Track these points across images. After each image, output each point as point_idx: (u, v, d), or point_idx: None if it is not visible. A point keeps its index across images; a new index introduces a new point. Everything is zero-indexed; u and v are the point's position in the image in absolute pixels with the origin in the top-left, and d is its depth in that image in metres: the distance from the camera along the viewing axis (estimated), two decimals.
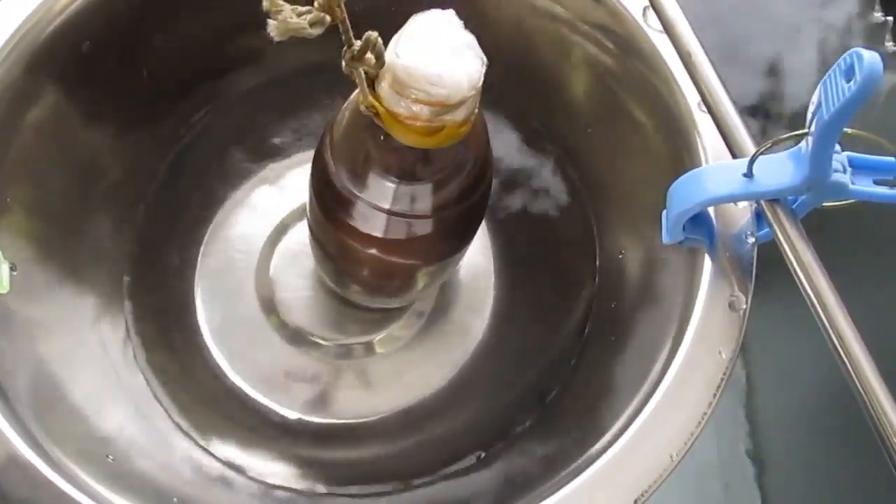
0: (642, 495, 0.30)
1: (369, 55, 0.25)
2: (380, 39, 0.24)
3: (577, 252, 0.44)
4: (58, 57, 0.38)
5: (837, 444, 0.49)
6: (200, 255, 0.45)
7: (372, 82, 0.26)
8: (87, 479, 0.32)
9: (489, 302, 0.45)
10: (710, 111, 0.33)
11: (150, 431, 0.40)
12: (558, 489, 0.31)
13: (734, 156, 0.33)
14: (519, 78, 0.45)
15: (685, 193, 0.33)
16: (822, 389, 0.50)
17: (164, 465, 0.38)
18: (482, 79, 0.25)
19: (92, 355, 0.40)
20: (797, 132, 0.29)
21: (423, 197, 0.30)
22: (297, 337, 0.44)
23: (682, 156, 0.37)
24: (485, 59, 0.25)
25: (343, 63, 0.25)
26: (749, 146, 0.32)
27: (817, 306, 0.29)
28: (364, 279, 0.40)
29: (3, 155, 0.37)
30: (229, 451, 0.41)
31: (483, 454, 0.41)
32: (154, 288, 0.44)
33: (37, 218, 0.39)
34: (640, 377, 0.34)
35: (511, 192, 0.46)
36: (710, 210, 0.35)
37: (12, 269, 0.36)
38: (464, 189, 0.31)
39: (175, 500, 0.35)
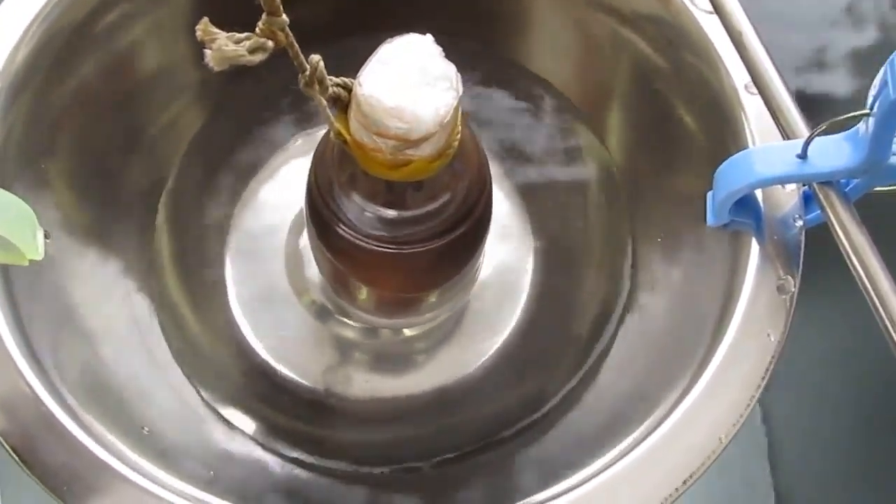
0: (690, 476, 0.29)
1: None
2: (321, 64, 0.23)
3: (613, 235, 0.44)
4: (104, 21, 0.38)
5: (858, 439, 0.49)
6: (231, 228, 0.45)
7: (346, 107, 0.25)
8: (124, 448, 0.32)
9: (524, 284, 0.44)
10: (761, 92, 0.33)
11: (182, 406, 0.39)
12: (603, 471, 0.30)
13: (786, 137, 0.32)
14: (555, 56, 0.45)
15: (735, 174, 0.32)
16: (843, 383, 0.50)
17: (197, 439, 0.38)
18: (451, 114, 0.24)
19: (123, 327, 0.40)
20: (857, 113, 0.29)
21: (412, 225, 0.29)
22: (326, 315, 0.43)
23: (725, 139, 0.37)
24: (460, 90, 0.24)
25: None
26: (801, 127, 0.32)
27: (870, 290, 0.29)
28: (363, 304, 0.39)
29: (43, 119, 0.37)
30: (257, 427, 0.41)
31: (518, 437, 0.40)
32: (184, 264, 0.44)
33: (71, 184, 0.39)
34: (685, 359, 0.33)
35: (546, 175, 0.45)
36: (758, 193, 0.34)
37: (46, 236, 0.36)
38: (456, 215, 0.29)
39: (212, 473, 0.35)
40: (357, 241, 0.29)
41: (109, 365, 0.37)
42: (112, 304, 0.40)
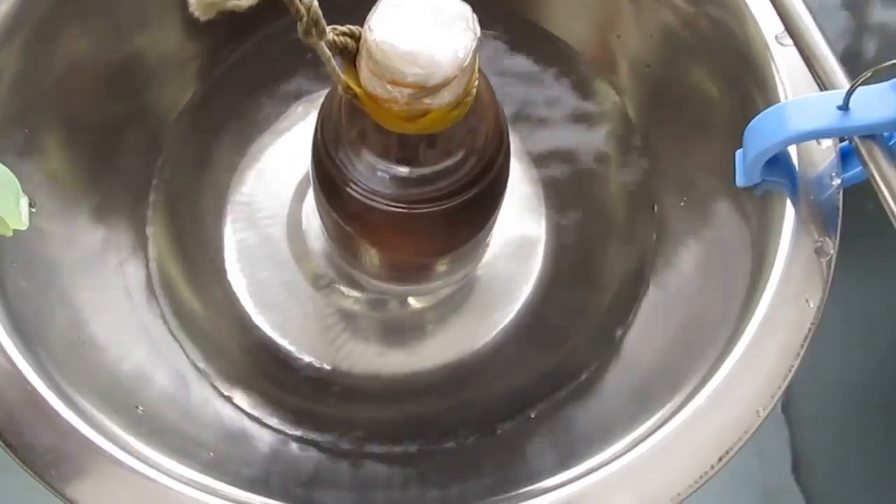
0: (727, 453, 0.28)
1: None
2: (315, 3, 0.21)
3: (633, 200, 0.42)
4: None
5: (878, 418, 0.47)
6: (229, 198, 0.42)
7: (354, 58, 0.23)
8: (117, 429, 0.30)
9: (538, 254, 0.42)
10: (796, 41, 0.31)
11: (179, 384, 0.37)
12: (630, 449, 0.28)
13: (823, 88, 0.30)
14: (570, 14, 0.43)
15: (767, 130, 0.30)
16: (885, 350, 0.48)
17: (195, 419, 0.36)
18: (471, 57, 0.22)
19: (116, 302, 0.38)
20: None
21: (425, 183, 0.27)
22: (330, 288, 0.41)
23: (753, 94, 0.35)
24: (478, 32, 0.22)
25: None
26: (840, 77, 0.30)
27: None
28: (372, 269, 0.37)
29: (32, 83, 0.35)
30: (259, 405, 0.39)
31: (535, 415, 0.38)
32: (180, 233, 0.42)
33: (62, 152, 0.37)
34: (716, 329, 0.31)
35: (561, 136, 0.43)
36: (791, 150, 0.32)
37: (31, 205, 0.34)
38: (473, 172, 0.28)
39: (211, 454, 0.33)
40: (368, 202, 0.28)
41: (101, 341, 0.35)
42: (104, 276, 0.38)
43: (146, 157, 0.42)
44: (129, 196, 0.41)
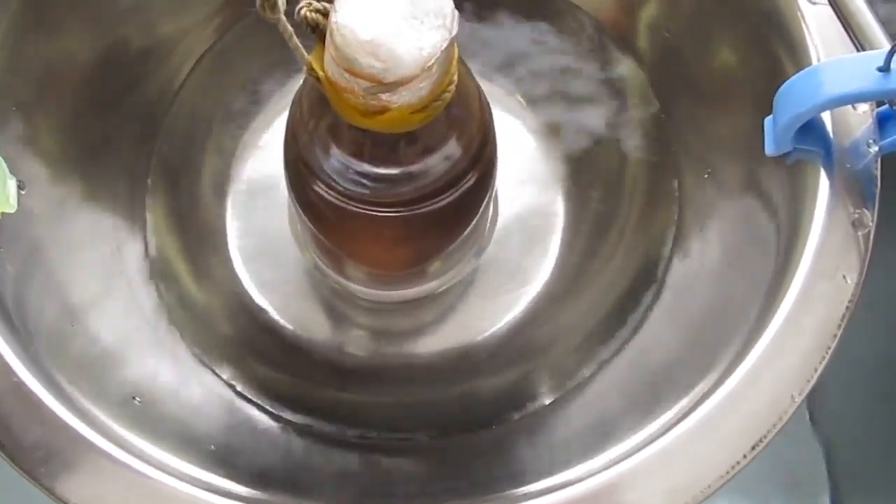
0: (760, 441, 0.26)
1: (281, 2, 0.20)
2: None
3: (653, 173, 0.40)
4: None
5: None
6: (230, 178, 0.41)
7: (324, 36, 0.21)
8: (111, 422, 0.28)
9: (555, 234, 0.40)
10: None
11: (178, 372, 0.36)
12: (659, 436, 0.27)
13: (860, 49, 0.28)
14: None
15: (801, 94, 0.28)
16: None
17: (196, 409, 0.35)
18: (439, 57, 0.20)
19: (111, 287, 0.36)
20: None
21: (399, 184, 0.25)
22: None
23: (781, 59, 0.33)
24: (454, 30, 0.20)
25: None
26: (880, 36, 0.28)
27: None
28: (353, 276, 0.36)
29: (20, 66, 0.34)
30: (261, 392, 0.37)
31: (550, 401, 0.37)
32: (180, 217, 0.40)
33: (56, 132, 0.36)
34: (745, 308, 0.30)
35: (577, 108, 0.41)
36: (825, 116, 0.30)
37: (20, 186, 0.33)
38: (453, 175, 0.26)
39: (212, 446, 0.31)
40: (335, 202, 0.26)
41: (96, 329, 0.34)
42: (99, 261, 0.36)
43: (144, 135, 0.41)
44: (126, 177, 0.40)
